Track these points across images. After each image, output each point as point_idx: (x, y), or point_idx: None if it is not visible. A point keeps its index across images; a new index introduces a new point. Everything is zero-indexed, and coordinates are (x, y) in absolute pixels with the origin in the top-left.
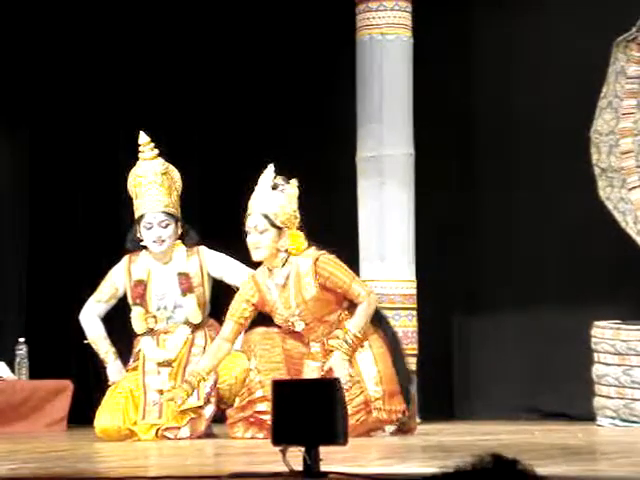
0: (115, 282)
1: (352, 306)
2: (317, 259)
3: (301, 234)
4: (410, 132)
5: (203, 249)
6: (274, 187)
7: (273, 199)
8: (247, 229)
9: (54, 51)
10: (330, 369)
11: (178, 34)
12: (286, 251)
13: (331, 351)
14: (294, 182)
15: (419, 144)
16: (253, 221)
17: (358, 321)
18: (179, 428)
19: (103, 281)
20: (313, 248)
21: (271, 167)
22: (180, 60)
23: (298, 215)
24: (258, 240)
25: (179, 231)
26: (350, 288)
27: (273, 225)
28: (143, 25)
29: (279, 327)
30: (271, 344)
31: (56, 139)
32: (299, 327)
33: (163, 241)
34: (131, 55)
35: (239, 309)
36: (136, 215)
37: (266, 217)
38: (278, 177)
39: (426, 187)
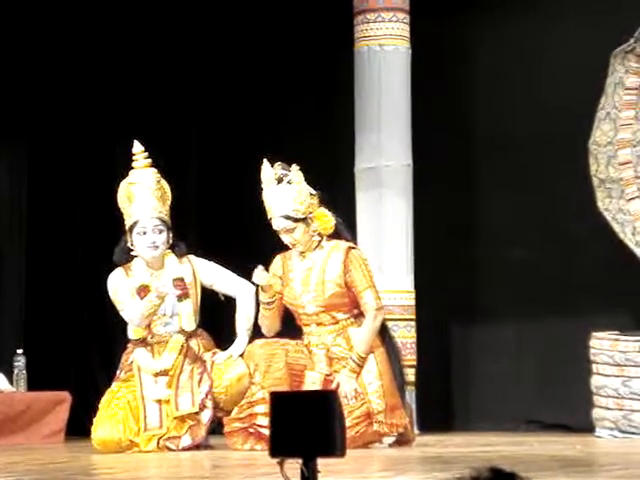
0: (125, 286)
1: (359, 315)
2: (351, 248)
3: (326, 212)
4: (408, 143)
5: (193, 257)
6: (279, 180)
7: (285, 195)
8: (276, 230)
9: (51, 63)
10: (338, 384)
11: (176, 43)
12: (319, 234)
13: (333, 359)
14: (295, 167)
15: (417, 155)
16: (279, 224)
17: (364, 340)
18: (180, 437)
19: (116, 297)
20: (343, 230)
21: (266, 162)
22: (178, 70)
23: (314, 192)
24: (292, 238)
25: (170, 240)
26: (363, 292)
27: (297, 220)
28: (140, 35)
29: (280, 337)
30: (273, 359)
31: (54, 150)
32: (310, 309)
33: (157, 247)
34: (128, 67)
35: (259, 291)
36: (128, 223)
37: (288, 217)
38: (276, 166)
39: (424, 198)
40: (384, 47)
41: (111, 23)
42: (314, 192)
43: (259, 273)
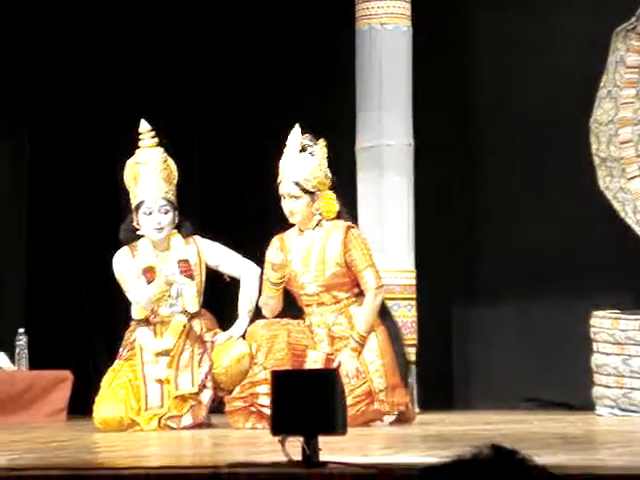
0: (131, 267)
1: (360, 294)
2: (350, 227)
3: (333, 196)
4: (409, 122)
5: (199, 238)
6: (302, 149)
7: (303, 163)
8: (281, 194)
9: (51, 49)
10: (340, 363)
11: (176, 27)
12: (320, 214)
13: (335, 338)
14: (322, 142)
15: (419, 134)
16: (285, 188)
17: (365, 319)
18: (181, 416)
19: (122, 277)
20: (345, 216)
21: (297, 128)
22: (179, 49)
23: (329, 174)
24: (292, 206)
25: (176, 220)
26: (363, 272)
27: (305, 191)
28: (140, 20)
29: (281, 317)
30: (275, 340)
31: (55, 132)
32: (310, 289)
33: (162, 228)
34: (128, 52)
35: (268, 271)
36: (134, 202)
37: (297, 184)
38: (305, 136)
39: (426, 177)
40: (385, 26)
41: (112, 8)
42: (330, 174)
43: (274, 251)
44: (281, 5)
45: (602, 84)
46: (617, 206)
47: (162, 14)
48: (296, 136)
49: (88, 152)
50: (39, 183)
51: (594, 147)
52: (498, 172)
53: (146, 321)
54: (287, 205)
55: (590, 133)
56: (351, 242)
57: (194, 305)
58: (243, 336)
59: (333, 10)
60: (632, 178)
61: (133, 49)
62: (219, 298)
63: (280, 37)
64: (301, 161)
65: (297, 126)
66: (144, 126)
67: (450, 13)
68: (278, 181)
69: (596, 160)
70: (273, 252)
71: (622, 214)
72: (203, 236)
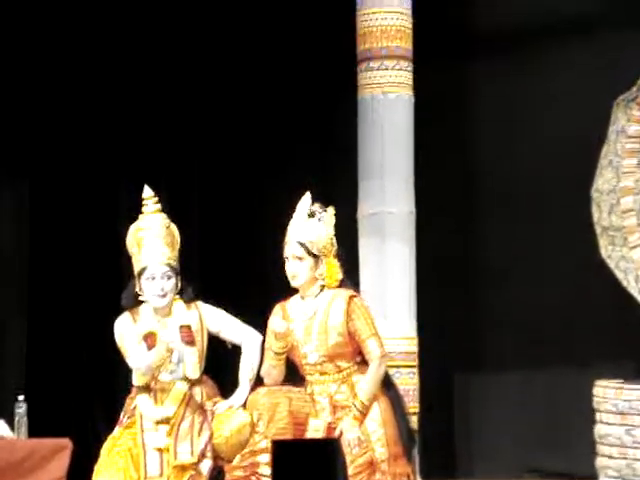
0: (132, 333)
1: (362, 362)
2: (353, 297)
3: (337, 264)
4: (411, 190)
5: (201, 304)
6: (311, 215)
7: (310, 227)
8: (285, 256)
9: (55, 106)
10: (341, 432)
11: (178, 86)
12: (323, 280)
13: (337, 406)
14: (331, 210)
15: (420, 202)
16: (290, 249)
17: (367, 388)
18: None
19: (122, 344)
20: (348, 285)
21: (308, 195)
22: (180, 113)
23: (335, 243)
24: (295, 268)
25: (178, 285)
26: (367, 341)
27: (310, 253)
28: (141, 74)
29: (284, 384)
30: (277, 408)
31: (56, 194)
32: (312, 359)
33: (165, 294)
34: (131, 105)
35: (270, 339)
36: (137, 268)
37: (303, 245)
38: (315, 205)
39: (427, 245)
40: (387, 95)
41: (113, 64)
42: (335, 243)
43: (278, 320)
44: (283, 73)
45: (603, 154)
46: (619, 275)
47: (164, 75)
48: (306, 203)
49: (91, 216)
50: (40, 243)
51: (596, 216)
52: (500, 240)
53: (147, 388)
54: (290, 267)
55: (591, 202)
56: (354, 312)
57: (195, 371)
58: (244, 405)
59: (335, 78)
60: (634, 247)
61: (135, 113)
62: (221, 364)
63: (282, 105)
64: (308, 225)
65: (308, 194)
66: (147, 192)
67: (452, 82)
68: (284, 243)
69: (598, 229)
70: (277, 321)
71: (624, 283)
72: (204, 300)
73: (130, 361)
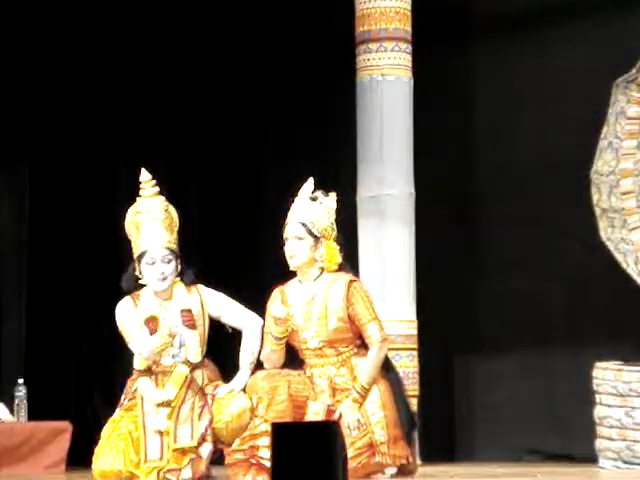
0: (134, 317)
1: (362, 346)
2: (353, 281)
3: (337, 247)
4: (410, 171)
5: (202, 287)
6: (313, 199)
7: (311, 209)
8: (285, 237)
9: (53, 89)
10: (341, 415)
11: (177, 70)
12: (322, 262)
13: (336, 389)
14: (333, 196)
15: (419, 183)
16: (291, 229)
17: (368, 371)
18: (180, 470)
19: (124, 328)
20: (347, 269)
21: (311, 180)
22: (179, 96)
23: (335, 228)
24: (295, 247)
25: (178, 268)
26: (367, 325)
27: (310, 233)
28: (141, 61)
29: (282, 368)
30: (276, 392)
31: (55, 177)
32: (312, 344)
33: (165, 278)
34: (129, 88)
35: (270, 324)
36: (136, 253)
37: (304, 225)
38: (317, 191)
39: (427, 226)
40: (386, 77)
41: (112, 47)
42: (335, 228)
43: (278, 305)
44: (281, 55)
45: (603, 135)
46: (619, 257)
47: (165, 65)
48: (309, 188)
49: (89, 199)
50: (39, 230)
51: (595, 198)
52: (499, 221)
53: (148, 371)
54: (290, 246)
55: (591, 184)
56: (354, 296)
57: (197, 355)
58: (244, 389)
59: (333, 61)
60: (634, 229)
61: (136, 99)
62: (222, 348)
63: (281, 88)
64: (310, 207)
65: (310, 179)
66: (145, 175)
67: (451, 63)
68: (286, 223)
69: (597, 211)
70: (277, 306)
71: (624, 265)
72: (203, 284)
73: (132, 346)
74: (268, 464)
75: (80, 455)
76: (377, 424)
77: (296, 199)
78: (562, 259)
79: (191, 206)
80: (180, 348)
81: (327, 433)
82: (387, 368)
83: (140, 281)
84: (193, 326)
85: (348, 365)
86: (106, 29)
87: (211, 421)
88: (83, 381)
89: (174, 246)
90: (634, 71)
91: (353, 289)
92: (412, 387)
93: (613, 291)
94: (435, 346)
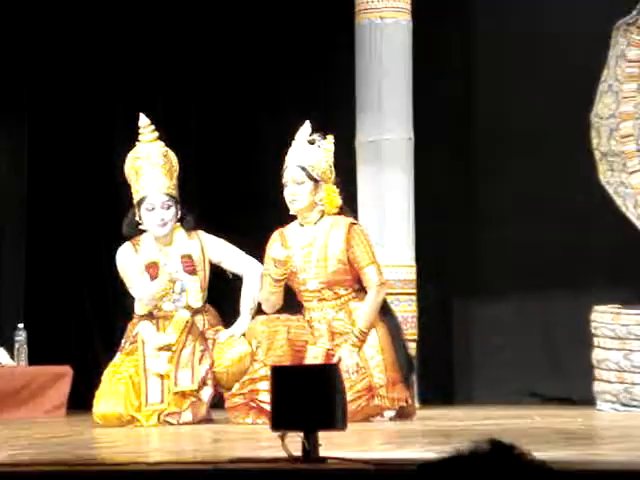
0: (134, 263)
1: (361, 290)
2: (353, 224)
3: (336, 189)
4: (409, 116)
5: (202, 233)
6: (311, 142)
7: (310, 152)
8: (284, 182)
9: (50, 41)
10: (340, 359)
11: (175, 23)
12: (322, 206)
13: (335, 333)
14: (330, 138)
15: (418, 128)
16: (290, 173)
17: (366, 315)
18: (180, 413)
19: (125, 274)
20: (347, 212)
21: (308, 123)
22: (176, 44)
23: (334, 170)
24: (295, 192)
25: (178, 214)
26: (366, 268)
27: (310, 177)
28: (141, 17)
29: (280, 313)
30: (275, 336)
31: (54, 128)
32: (312, 286)
33: (165, 224)
34: (127, 46)
35: (269, 266)
36: (135, 198)
37: (303, 169)
38: (315, 133)
39: (426, 172)
40: (385, 20)
41: (113, 5)
42: (334, 171)
43: (277, 247)
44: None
45: (603, 78)
46: (618, 200)
47: (161, 10)
48: (305, 131)
49: (87, 145)
50: (38, 177)
51: (595, 141)
52: (498, 165)
53: (149, 315)
54: (289, 191)
55: (591, 127)
56: (354, 239)
57: (197, 301)
58: (244, 334)
59: (332, 4)
60: (633, 172)
61: (132, 43)
62: (223, 292)
63: (278, 32)
64: (308, 150)
65: (307, 122)
66: (143, 120)
67: (450, 6)
68: (284, 167)
69: (597, 154)
70: (276, 248)
71: (623, 208)
72: (203, 229)
73: (133, 291)
74: (267, 407)
75: (80, 399)
76: (376, 367)
77: (294, 142)
78: (561, 203)
79: (190, 151)
80: (181, 294)
81: (326, 376)
82: (385, 312)
83: (140, 226)
84: (193, 272)
85: (346, 309)
86: None
87: (211, 365)
88: (83, 325)
89: (173, 192)
90: (634, 13)
91: (353, 232)
92: (411, 332)
93: (612, 235)
94: (434, 290)
